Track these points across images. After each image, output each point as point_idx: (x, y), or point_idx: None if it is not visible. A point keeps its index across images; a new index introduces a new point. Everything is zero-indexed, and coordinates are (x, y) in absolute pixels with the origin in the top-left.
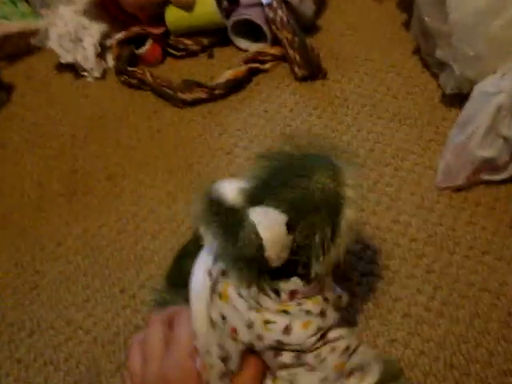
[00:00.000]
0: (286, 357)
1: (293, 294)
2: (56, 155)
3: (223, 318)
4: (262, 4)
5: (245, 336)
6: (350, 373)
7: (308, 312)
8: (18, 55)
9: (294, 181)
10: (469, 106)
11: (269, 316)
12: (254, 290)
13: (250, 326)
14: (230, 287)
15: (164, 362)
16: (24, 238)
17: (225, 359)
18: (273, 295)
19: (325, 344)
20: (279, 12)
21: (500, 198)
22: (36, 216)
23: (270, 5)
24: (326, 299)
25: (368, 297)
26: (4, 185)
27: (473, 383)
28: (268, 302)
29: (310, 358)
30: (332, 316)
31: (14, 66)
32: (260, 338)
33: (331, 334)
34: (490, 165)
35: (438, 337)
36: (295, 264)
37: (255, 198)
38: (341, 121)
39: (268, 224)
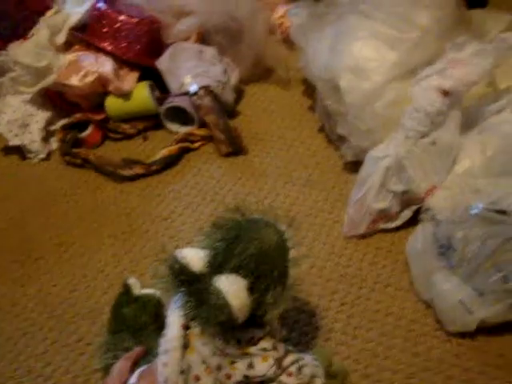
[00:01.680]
0: None
1: (250, 341)
2: (5, 227)
3: (189, 367)
4: (189, 93)
5: (208, 381)
6: None
7: (264, 349)
8: None
9: (246, 246)
10: (363, 170)
11: (233, 358)
12: (217, 340)
13: (218, 368)
14: (195, 338)
15: None
16: None
17: None
18: (235, 343)
19: (283, 371)
20: (205, 99)
21: (395, 241)
22: None
23: (196, 93)
24: (273, 336)
25: (295, 328)
26: None
27: None
28: (231, 348)
29: None
30: (281, 347)
31: None
32: (229, 376)
33: (285, 363)
34: (384, 215)
35: (354, 354)
36: (253, 317)
37: (216, 265)
38: (261, 188)
39: (234, 292)
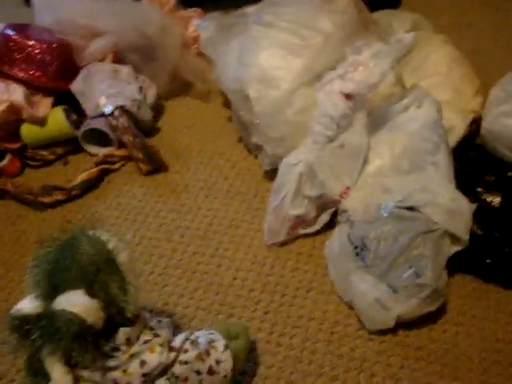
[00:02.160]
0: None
1: (129, 341)
2: None
3: None
4: (104, 114)
5: None
6: (207, 351)
7: (146, 342)
8: None
9: (68, 259)
10: (279, 177)
11: (124, 367)
12: (98, 362)
13: (117, 381)
14: (80, 372)
15: None
16: None
17: None
18: (115, 353)
19: (178, 352)
20: (120, 119)
21: (316, 245)
22: None
23: (112, 114)
24: (151, 328)
25: None
26: None
27: None
28: (115, 360)
29: (177, 369)
30: (164, 332)
31: None
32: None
33: (175, 343)
34: (302, 220)
35: (278, 362)
36: (115, 319)
37: (47, 295)
38: (183, 204)
39: (72, 302)
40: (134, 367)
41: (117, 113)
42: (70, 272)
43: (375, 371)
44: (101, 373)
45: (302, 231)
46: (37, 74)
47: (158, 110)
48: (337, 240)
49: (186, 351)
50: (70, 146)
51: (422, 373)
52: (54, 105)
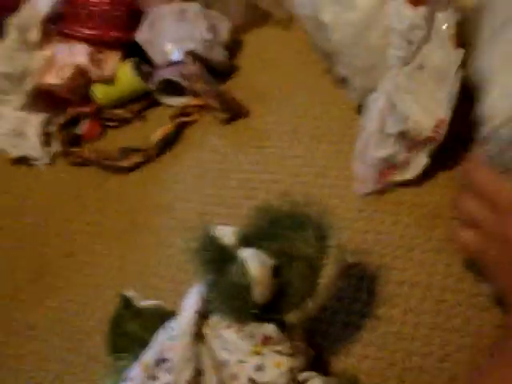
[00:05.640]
0: None
1: (266, 339)
2: (20, 246)
3: (197, 358)
4: (173, 61)
5: (211, 379)
6: None
7: (279, 352)
8: None
9: (283, 234)
10: (365, 114)
11: (242, 357)
12: (230, 332)
13: (225, 365)
14: (208, 329)
15: None
16: (1, 329)
17: None
18: (247, 338)
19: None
20: (190, 67)
21: (420, 193)
22: (10, 306)
23: (181, 61)
24: (295, 346)
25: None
26: None
27: (414, 375)
28: (242, 344)
29: None
30: (302, 359)
31: None
32: (234, 377)
33: (301, 377)
34: (392, 165)
35: (376, 339)
36: (273, 310)
37: (247, 242)
38: (265, 153)
39: (257, 261)
40: (249, 365)
41: (186, 59)
42: (276, 241)
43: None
44: (221, 345)
45: (397, 178)
46: (101, 28)
47: (233, 46)
48: None
49: None
50: (146, 100)
51: None
52: (125, 59)
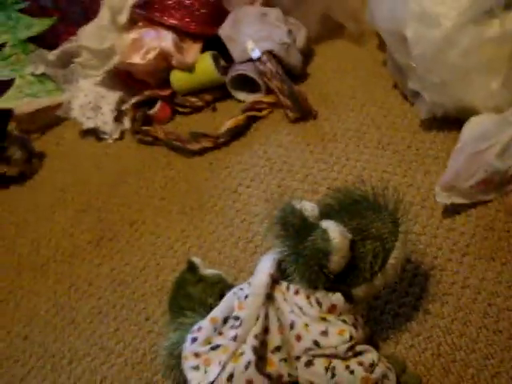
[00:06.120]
0: (318, 366)
1: (332, 308)
2: (84, 209)
3: (265, 316)
4: (252, 59)
5: (276, 338)
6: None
7: (344, 321)
8: (48, 127)
9: (362, 213)
10: (487, 124)
11: (309, 321)
12: (299, 297)
13: (291, 326)
14: (278, 292)
15: None
16: (60, 282)
17: (257, 351)
18: (315, 305)
19: (354, 356)
20: (268, 65)
21: (477, 206)
22: (70, 262)
23: (259, 59)
24: (357, 319)
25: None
26: (41, 239)
27: (458, 368)
28: (310, 310)
29: (340, 368)
30: (361, 332)
31: (45, 136)
32: (299, 338)
33: (359, 348)
34: (500, 177)
35: (425, 331)
36: (342, 282)
37: (328, 216)
38: (331, 153)
39: (338, 231)
40: (315, 329)
41: (264, 57)
42: (355, 218)
43: None
44: (289, 308)
45: (484, 196)
46: (187, 20)
47: (307, 54)
48: None
49: (360, 364)
50: (218, 92)
51: None
52: (203, 51)
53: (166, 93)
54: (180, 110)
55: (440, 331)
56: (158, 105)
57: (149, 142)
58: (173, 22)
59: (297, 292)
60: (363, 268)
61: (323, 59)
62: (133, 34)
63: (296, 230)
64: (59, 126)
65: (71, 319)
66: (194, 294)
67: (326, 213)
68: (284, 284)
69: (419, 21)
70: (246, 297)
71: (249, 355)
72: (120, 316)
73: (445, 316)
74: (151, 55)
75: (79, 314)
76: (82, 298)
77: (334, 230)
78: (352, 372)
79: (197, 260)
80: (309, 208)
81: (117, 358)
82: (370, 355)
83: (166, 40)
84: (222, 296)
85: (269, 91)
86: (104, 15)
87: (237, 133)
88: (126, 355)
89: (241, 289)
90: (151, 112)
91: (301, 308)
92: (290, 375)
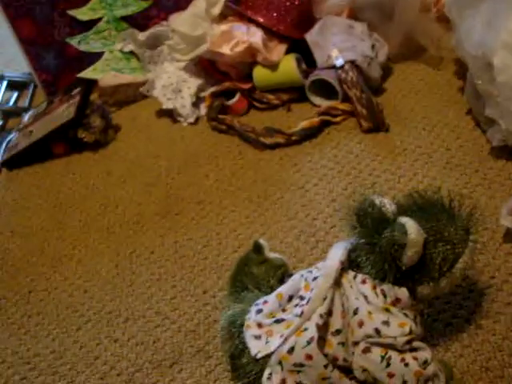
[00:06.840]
0: (375, 353)
1: (397, 301)
2: (153, 182)
3: (330, 300)
4: (335, 66)
5: (337, 322)
6: (425, 381)
7: (406, 315)
8: (126, 102)
9: (437, 216)
10: None
11: (373, 310)
12: (366, 286)
13: (355, 312)
14: (345, 279)
15: None
16: (123, 245)
17: (320, 330)
18: (380, 296)
19: (410, 350)
20: (350, 73)
21: None
22: (134, 229)
23: (342, 67)
24: (416, 316)
25: None
26: (109, 203)
27: None
28: (374, 299)
29: (396, 359)
30: (420, 329)
31: (122, 110)
32: (361, 323)
33: (415, 344)
34: None
35: (475, 344)
36: (409, 278)
37: (404, 214)
38: (399, 166)
39: (415, 227)
40: (378, 318)
41: (347, 66)
42: (430, 221)
43: None
44: (355, 295)
45: None
46: (276, 20)
47: (386, 70)
48: None
49: (415, 358)
50: (295, 93)
51: None
52: (287, 53)
53: (246, 86)
54: (256, 104)
55: (490, 346)
56: (237, 96)
57: (222, 130)
58: (264, 20)
59: (364, 281)
60: (432, 268)
61: (401, 77)
62: (223, 26)
63: (373, 223)
64: (136, 104)
65: (130, 282)
66: (258, 273)
67: (403, 211)
68: (352, 273)
69: (508, 50)
70: (314, 279)
71: (312, 332)
72: (178, 286)
73: (496, 333)
74: (240, 48)
75: (139, 278)
76: (143, 263)
77: (411, 226)
78: (407, 365)
79: (263, 242)
80: (387, 204)
81: (171, 323)
82: (425, 353)
83: (255, 36)
84: (282, 280)
85: (345, 99)
86: (200, 4)
87: (310, 134)
88: (180, 322)
89: (309, 271)
90: (229, 102)
91: (366, 297)
92: (344, 360)
